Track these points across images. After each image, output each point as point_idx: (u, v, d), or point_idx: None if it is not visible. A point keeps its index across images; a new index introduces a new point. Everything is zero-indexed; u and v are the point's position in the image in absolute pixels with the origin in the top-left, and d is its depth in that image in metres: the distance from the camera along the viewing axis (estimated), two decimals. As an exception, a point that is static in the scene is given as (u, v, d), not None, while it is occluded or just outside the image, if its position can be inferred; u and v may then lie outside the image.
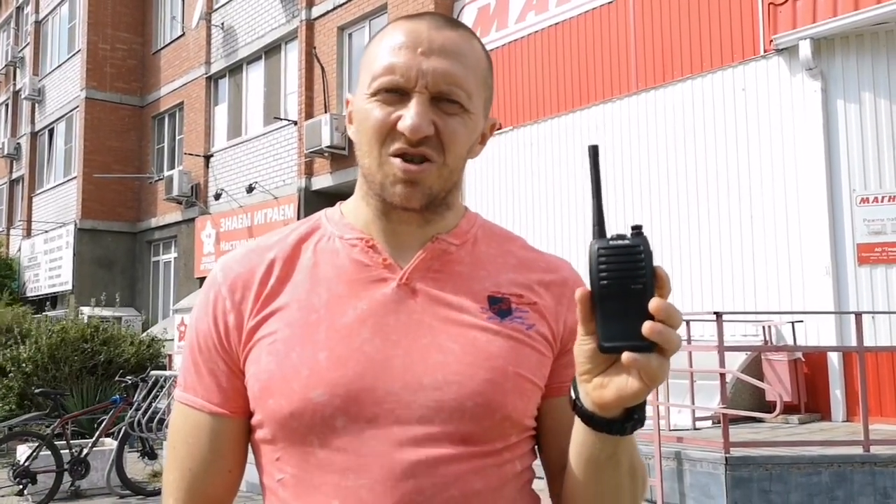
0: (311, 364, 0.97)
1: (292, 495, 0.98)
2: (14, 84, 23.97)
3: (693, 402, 6.89)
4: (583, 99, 9.64)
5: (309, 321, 1.00)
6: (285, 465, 0.99)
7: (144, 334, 13.16)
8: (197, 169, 16.74)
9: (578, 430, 0.92)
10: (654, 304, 0.79)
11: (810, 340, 7.42)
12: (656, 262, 0.81)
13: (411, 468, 0.94)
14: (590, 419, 0.88)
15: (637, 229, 0.81)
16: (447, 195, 1.05)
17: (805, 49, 7.45)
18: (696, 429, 6.79)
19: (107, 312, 15.00)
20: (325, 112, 13.15)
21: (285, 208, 14.13)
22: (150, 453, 8.37)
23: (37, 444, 7.60)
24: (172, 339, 13.00)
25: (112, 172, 18.94)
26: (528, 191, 10.13)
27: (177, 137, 18.26)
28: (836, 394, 7.30)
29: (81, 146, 18.93)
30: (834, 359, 7.36)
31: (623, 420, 0.87)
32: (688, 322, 7.31)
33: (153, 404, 8.08)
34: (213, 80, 16.88)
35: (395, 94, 0.99)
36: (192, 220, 16.78)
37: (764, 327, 7.76)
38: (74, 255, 18.41)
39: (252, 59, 15.77)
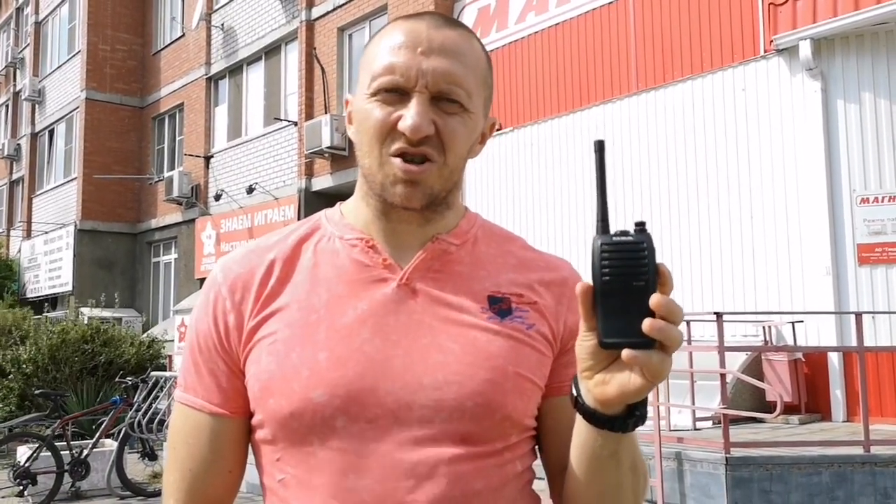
0: (311, 364, 0.97)
1: (292, 495, 0.98)
2: (14, 85, 23.98)
3: (693, 403, 6.89)
4: (583, 99, 9.64)
5: (309, 321, 1.00)
6: (285, 466, 0.99)
7: (145, 335, 13.16)
8: (197, 170, 16.74)
9: (580, 428, 0.92)
10: (654, 300, 0.79)
11: (810, 340, 7.42)
12: (658, 260, 0.81)
13: (411, 468, 0.94)
14: (591, 416, 0.88)
15: (640, 226, 0.81)
16: (448, 195, 1.05)
17: (805, 49, 7.45)
18: (696, 429, 6.79)
19: (107, 313, 14.99)
20: (326, 113, 13.15)
21: (285, 209, 14.13)
22: (150, 454, 8.37)
23: (37, 445, 7.60)
24: (173, 340, 13.00)
25: (112, 173, 18.94)
26: (529, 191, 10.13)
27: (177, 138, 18.27)
28: (837, 394, 7.30)
29: (81, 147, 18.93)
30: (834, 359, 7.36)
31: (625, 417, 0.87)
32: (688, 322, 7.31)
33: (153, 405, 8.08)
34: (213, 80, 16.88)
35: (395, 93, 0.99)
36: (193, 220, 16.78)
37: (764, 327, 7.76)
38: (74, 256, 18.41)
39: (252, 59, 15.77)
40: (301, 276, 1.04)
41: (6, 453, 9.56)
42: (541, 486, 1.05)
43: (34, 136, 22.09)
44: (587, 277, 0.83)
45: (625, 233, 0.81)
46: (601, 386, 0.84)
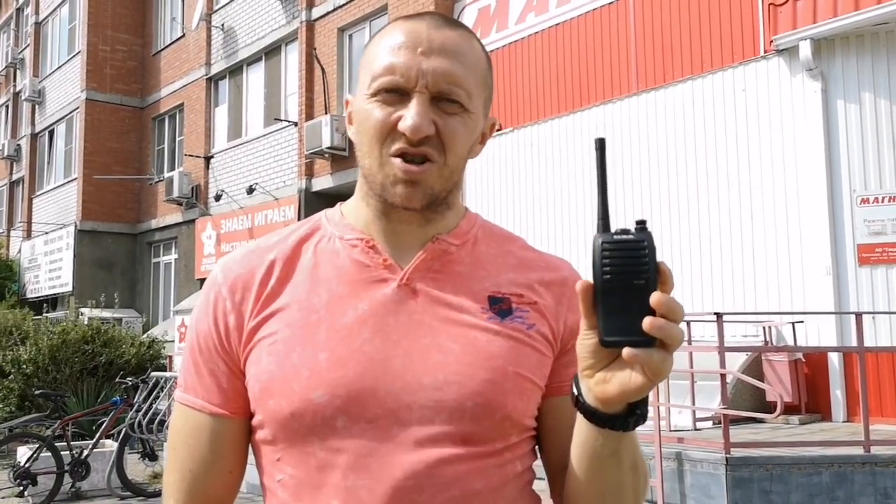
0: (311, 365, 0.97)
1: (292, 496, 0.98)
2: (14, 85, 23.99)
3: (693, 403, 6.89)
4: (583, 100, 9.64)
5: (309, 322, 1.00)
6: (286, 466, 0.99)
7: (145, 336, 13.16)
8: (197, 170, 16.74)
9: (580, 427, 0.92)
10: (655, 298, 0.79)
11: (811, 341, 7.42)
12: (658, 259, 0.81)
13: (412, 468, 0.94)
14: (592, 415, 0.88)
15: (641, 224, 0.81)
16: (448, 195, 1.05)
17: (805, 49, 7.45)
18: (696, 429, 6.79)
19: (107, 314, 14.99)
20: (326, 113, 13.15)
21: (286, 209, 14.13)
22: (150, 455, 8.37)
23: (37, 446, 7.60)
24: (173, 341, 13.00)
25: (112, 174, 18.94)
26: (529, 191, 10.13)
27: (177, 139, 18.27)
28: (837, 394, 7.30)
29: (81, 147, 18.93)
30: (834, 359, 7.36)
31: (626, 415, 0.87)
32: (688, 322, 7.30)
33: (154, 406, 8.08)
34: (213, 81, 16.88)
35: (396, 94, 0.99)
36: (193, 221, 16.78)
37: (764, 328, 7.76)
38: (75, 256, 18.41)
39: (252, 60, 15.77)
40: (301, 277, 1.04)
41: (6, 454, 9.56)
42: (541, 486, 1.04)
43: (34, 137, 22.09)
44: (587, 277, 0.83)
45: (625, 231, 0.81)
46: (602, 384, 0.84)
